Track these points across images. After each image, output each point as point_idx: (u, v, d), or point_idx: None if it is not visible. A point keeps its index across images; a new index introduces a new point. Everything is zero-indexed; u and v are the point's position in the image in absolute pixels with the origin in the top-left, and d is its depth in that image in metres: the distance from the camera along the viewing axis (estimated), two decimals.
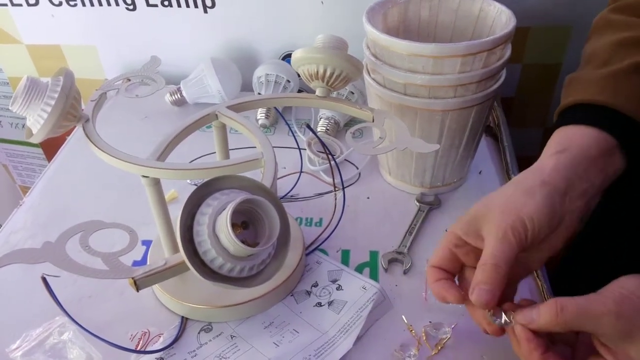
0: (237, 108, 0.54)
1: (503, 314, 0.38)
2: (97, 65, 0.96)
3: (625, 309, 0.33)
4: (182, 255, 0.34)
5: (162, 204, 0.49)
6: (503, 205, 0.41)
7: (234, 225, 0.36)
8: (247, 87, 0.86)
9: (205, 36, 0.89)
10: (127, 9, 0.87)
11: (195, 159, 0.72)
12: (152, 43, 0.91)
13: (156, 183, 0.48)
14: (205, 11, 0.85)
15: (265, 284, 0.40)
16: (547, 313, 0.35)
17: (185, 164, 0.46)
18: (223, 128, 0.55)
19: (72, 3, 0.88)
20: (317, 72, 0.53)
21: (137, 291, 0.36)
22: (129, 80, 0.61)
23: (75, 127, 0.51)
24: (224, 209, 0.35)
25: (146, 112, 0.84)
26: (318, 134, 0.76)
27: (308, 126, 0.56)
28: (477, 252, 0.41)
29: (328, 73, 0.53)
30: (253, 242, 0.36)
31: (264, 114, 0.79)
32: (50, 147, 1.04)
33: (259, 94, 0.79)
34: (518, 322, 0.37)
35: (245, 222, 0.37)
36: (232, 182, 0.37)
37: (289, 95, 0.56)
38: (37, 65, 0.99)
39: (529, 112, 1.00)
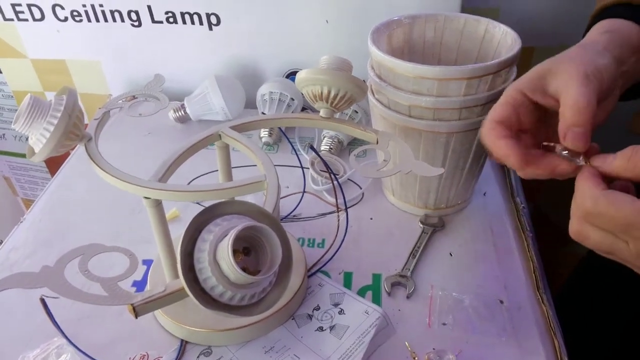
0: (240, 128, 0.54)
1: (582, 156, 0.36)
2: (101, 81, 0.96)
3: None
4: (182, 282, 0.33)
5: (163, 225, 0.48)
6: (575, 59, 0.39)
7: (235, 252, 0.36)
8: (251, 104, 0.86)
9: (210, 53, 0.89)
10: (133, 25, 0.87)
11: (198, 177, 0.72)
12: (157, 59, 0.91)
13: (158, 204, 0.47)
14: (211, 28, 0.85)
15: None
16: (621, 155, 0.33)
17: (187, 186, 0.46)
18: (226, 148, 0.55)
19: (77, 19, 0.88)
20: (322, 93, 0.53)
21: (136, 318, 0.35)
22: (135, 97, 0.61)
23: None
24: (225, 236, 0.34)
25: (149, 128, 0.84)
26: (321, 152, 0.76)
27: (311, 147, 0.55)
28: (539, 112, 0.40)
29: (332, 94, 0.52)
30: (254, 269, 0.36)
31: (267, 132, 0.79)
32: (54, 160, 1.04)
33: (263, 113, 0.79)
34: (592, 164, 0.35)
35: (247, 248, 0.37)
36: (234, 208, 0.36)
37: (292, 116, 0.56)
38: (41, 79, 0.99)
39: None
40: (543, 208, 1.10)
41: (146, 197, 0.46)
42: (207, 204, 0.38)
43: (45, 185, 0.76)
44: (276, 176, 0.47)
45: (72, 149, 0.69)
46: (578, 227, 0.36)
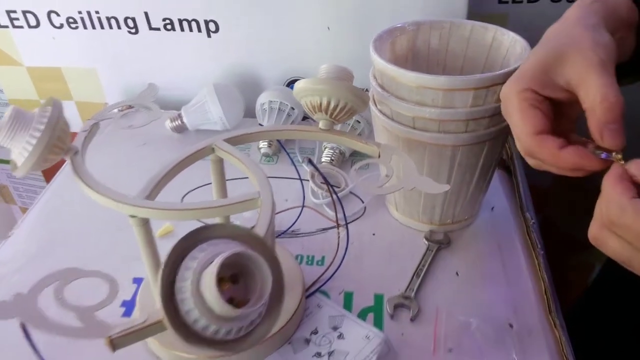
0: (234, 141, 0.51)
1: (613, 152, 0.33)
2: (97, 89, 0.94)
3: None
4: (161, 314, 0.30)
5: (151, 246, 0.45)
6: (581, 43, 0.35)
7: (221, 280, 0.33)
8: (250, 113, 0.83)
9: (209, 61, 0.86)
10: (129, 32, 0.85)
11: (193, 190, 0.69)
12: (154, 67, 0.89)
13: (145, 223, 0.44)
14: (209, 36, 0.83)
15: None
16: None
17: (176, 203, 0.43)
18: (220, 162, 0.52)
19: (73, 26, 0.86)
20: (320, 104, 0.50)
21: (113, 351, 0.32)
22: (130, 107, 0.59)
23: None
24: (210, 263, 0.31)
25: (145, 139, 0.81)
26: (322, 164, 0.73)
27: (310, 161, 0.53)
28: (552, 106, 0.36)
29: (332, 105, 0.50)
30: (242, 299, 0.33)
31: (266, 143, 0.76)
32: (49, 168, 1.02)
33: (260, 124, 0.76)
34: (629, 170, 0.32)
35: (235, 275, 0.34)
36: (221, 231, 0.34)
37: (289, 128, 0.53)
38: (37, 87, 0.97)
39: None
40: (551, 216, 1.07)
41: (132, 216, 0.44)
42: (208, 220, 0.35)
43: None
44: (271, 193, 0.44)
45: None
46: (598, 233, 0.33)
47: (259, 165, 0.47)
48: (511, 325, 0.52)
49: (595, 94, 0.32)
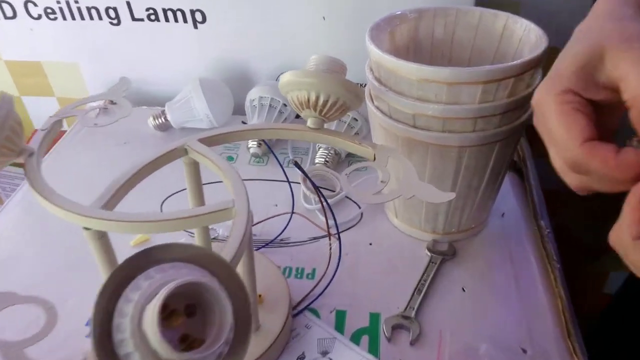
0: (211, 141, 0.45)
1: None
2: (80, 84, 0.88)
3: None
4: (92, 359, 0.24)
5: (111, 264, 0.39)
6: (617, 36, 0.30)
7: (173, 313, 0.27)
8: (240, 110, 0.77)
9: (195, 54, 0.80)
10: (111, 23, 0.79)
11: (173, 194, 0.63)
12: (138, 60, 0.83)
13: (101, 236, 0.38)
14: (196, 26, 0.77)
15: None
16: None
17: (134, 214, 0.37)
18: (195, 164, 0.46)
19: (52, 17, 0.80)
20: (308, 99, 0.44)
21: None
22: (112, 103, 0.53)
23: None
24: (156, 294, 0.25)
25: (126, 137, 0.76)
26: (316, 165, 0.67)
27: (296, 164, 0.46)
28: (594, 110, 0.31)
29: (321, 101, 0.43)
30: (200, 337, 0.27)
31: (255, 143, 0.70)
32: None
33: (243, 122, 0.71)
34: None
35: (192, 306, 0.28)
36: (174, 253, 0.28)
37: (274, 126, 0.47)
38: (17, 82, 0.91)
39: None
40: (563, 220, 1.00)
41: (85, 228, 0.38)
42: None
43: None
44: (247, 202, 0.38)
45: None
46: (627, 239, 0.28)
47: (234, 169, 0.41)
48: (524, 351, 0.46)
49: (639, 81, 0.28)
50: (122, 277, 0.27)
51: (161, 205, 0.63)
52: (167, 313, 0.27)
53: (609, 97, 0.31)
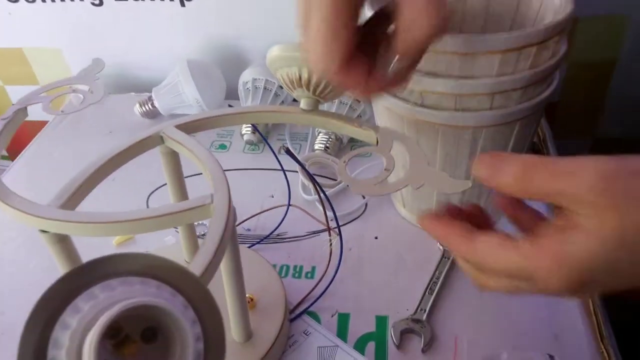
0: (189, 127, 0.40)
1: None
2: (65, 71, 0.83)
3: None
4: None
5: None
6: None
7: (126, 340, 0.22)
8: (232, 94, 0.72)
9: (183, 34, 0.75)
10: (93, 3, 0.74)
11: (160, 187, 0.58)
12: (123, 43, 0.78)
13: (62, 240, 0.33)
14: (183, 4, 0.71)
15: None
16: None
17: (99, 214, 0.32)
18: (173, 154, 0.41)
19: None
20: (300, 77, 0.38)
21: None
22: (68, 88, 0.47)
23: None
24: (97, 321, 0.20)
25: (111, 126, 0.70)
26: (316, 152, 0.61)
27: (288, 152, 0.41)
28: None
29: (314, 78, 0.38)
30: None
31: (250, 129, 0.65)
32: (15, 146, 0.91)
33: (230, 106, 0.65)
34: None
35: (152, 330, 0.22)
36: (128, 265, 0.22)
37: (263, 109, 0.42)
38: (0, 71, 0.86)
39: (575, 120, 0.83)
40: None
41: (42, 231, 0.32)
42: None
43: None
44: (228, 198, 0.33)
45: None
46: (475, 280, 0.31)
47: (214, 158, 0.35)
48: (551, 357, 0.40)
49: (418, 11, 0.27)
50: (58, 298, 0.21)
51: (147, 199, 0.58)
52: (119, 339, 0.22)
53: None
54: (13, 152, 0.87)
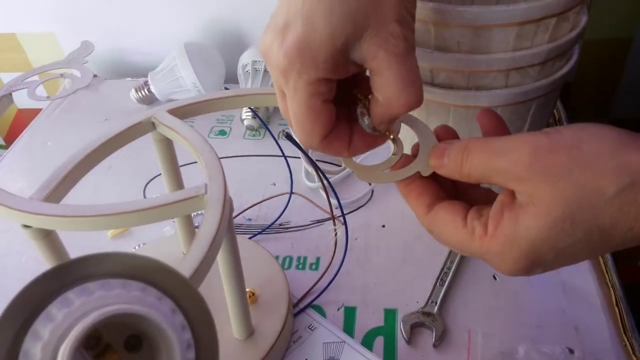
0: (183, 112, 0.37)
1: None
2: (59, 56, 0.80)
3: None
4: None
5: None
6: (382, 10, 0.26)
7: (107, 349, 0.19)
8: (232, 78, 0.69)
9: (181, 16, 0.72)
10: None
11: (156, 177, 0.56)
12: (119, 27, 0.75)
13: (46, 235, 0.31)
14: None
15: None
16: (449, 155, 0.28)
17: (85, 207, 0.29)
18: (166, 141, 0.38)
19: None
20: None
21: None
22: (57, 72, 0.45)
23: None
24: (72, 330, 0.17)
25: (107, 113, 0.68)
26: None
27: (288, 137, 0.38)
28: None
29: None
30: None
31: (250, 113, 0.62)
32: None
33: (226, 88, 0.62)
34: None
35: (136, 338, 0.20)
36: (110, 265, 0.20)
37: (260, 91, 0.39)
38: None
39: (589, 100, 0.80)
40: None
41: (25, 226, 0.30)
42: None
43: None
44: (224, 187, 0.30)
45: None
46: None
47: (209, 145, 0.33)
48: (571, 351, 0.38)
49: (393, 93, 0.27)
50: (30, 304, 0.19)
51: (144, 188, 0.55)
52: (99, 349, 0.20)
53: (356, 71, 0.28)
54: (10, 141, 0.85)
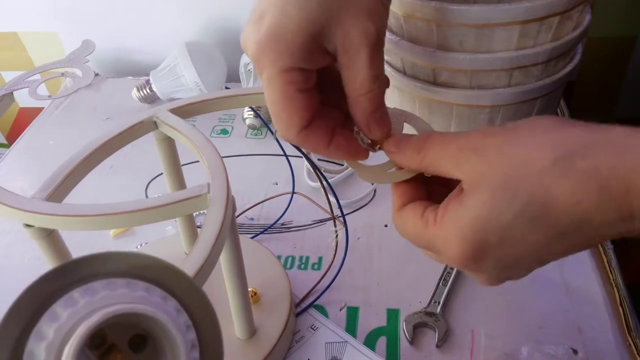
0: (184, 111, 0.37)
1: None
2: (61, 55, 0.80)
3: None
4: None
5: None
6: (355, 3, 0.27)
7: (112, 349, 0.19)
8: (234, 77, 0.69)
9: (183, 15, 0.71)
10: None
11: (158, 176, 0.56)
12: (120, 26, 0.75)
13: (48, 234, 0.31)
14: None
15: None
16: (412, 145, 0.28)
17: (86, 206, 0.29)
18: (168, 140, 0.38)
19: None
20: None
21: None
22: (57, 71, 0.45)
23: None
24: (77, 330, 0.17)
25: (109, 112, 0.68)
26: None
27: None
28: (317, 75, 0.29)
29: None
30: None
31: (252, 112, 0.62)
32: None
33: (227, 87, 0.62)
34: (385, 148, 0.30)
35: (141, 337, 0.20)
36: (114, 265, 0.20)
37: (261, 91, 0.39)
38: None
39: (593, 99, 0.80)
40: None
41: (27, 225, 0.30)
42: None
43: None
44: (226, 187, 0.30)
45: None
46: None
47: (211, 144, 0.33)
48: (575, 351, 0.38)
49: (362, 82, 0.28)
50: (34, 303, 0.19)
51: (146, 187, 0.55)
52: (104, 349, 0.20)
53: (333, 61, 0.28)
54: (13, 139, 0.85)
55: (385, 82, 0.30)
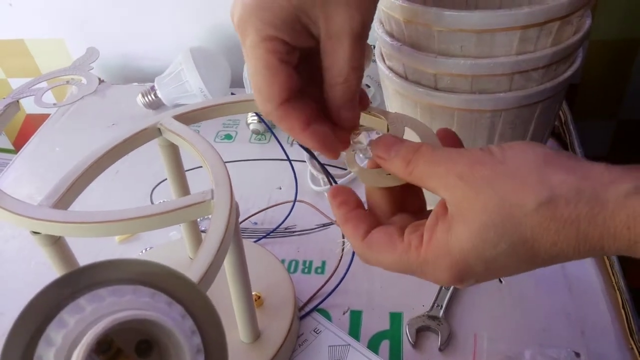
0: (188, 118, 0.38)
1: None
2: (67, 61, 0.81)
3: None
4: None
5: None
6: None
7: (118, 354, 0.20)
8: (238, 83, 0.69)
9: (187, 22, 0.72)
10: None
11: (163, 181, 0.56)
12: (128, 32, 0.76)
13: (55, 241, 0.32)
14: None
15: None
16: (402, 157, 0.28)
17: (91, 213, 0.30)
18: (172, 147, 0.39)
19: None
20: None
21: None
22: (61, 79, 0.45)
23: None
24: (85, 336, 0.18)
25: (114, 118, 0.68)
26: None
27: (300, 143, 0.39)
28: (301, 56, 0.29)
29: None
30: None
31: (256, 118, 0.62)
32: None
33: (232, 94, 0.62)
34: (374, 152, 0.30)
35: (147, 343, 0.20)
36: (120, 272, 0.20)
37: None
38: (2, 63, 0.85)
39: (597, 102, 0.80)
40: None
41: (34, 232, 0.31)
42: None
43: None
44: (230, 193, 0.30)
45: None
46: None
47: (214, 151, 0.33)
48: (577, 354, 0.38)
49: (341, 70, 0.28)
50: (42, 310, 0.19)
51: (151, 193, 0.56)
52: (110, 354, 0.20)
53: (313, 44, 0.29)
54: (20, 145, 0.86)
55: (362, 74, 0.30)
